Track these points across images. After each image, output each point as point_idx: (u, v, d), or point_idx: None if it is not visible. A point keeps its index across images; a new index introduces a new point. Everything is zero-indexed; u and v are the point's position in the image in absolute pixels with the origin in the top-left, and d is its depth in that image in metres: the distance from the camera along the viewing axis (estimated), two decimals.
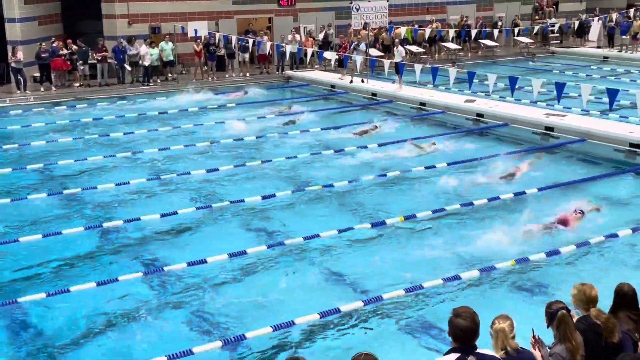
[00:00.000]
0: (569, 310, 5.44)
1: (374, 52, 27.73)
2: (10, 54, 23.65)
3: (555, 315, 5.35)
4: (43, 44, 24.00)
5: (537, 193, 12.64)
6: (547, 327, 5.42)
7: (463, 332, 4.64)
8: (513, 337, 5.19)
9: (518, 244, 10.27)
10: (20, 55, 23.31)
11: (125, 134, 18.31)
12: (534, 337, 5.38)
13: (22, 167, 15.09)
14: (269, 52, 26.99)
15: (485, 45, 32.65)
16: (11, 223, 11.69)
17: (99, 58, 24.84)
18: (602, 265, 9.66)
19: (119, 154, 16.19)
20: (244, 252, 10.08)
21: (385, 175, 14.05)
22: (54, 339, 8.03)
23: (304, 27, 29.65)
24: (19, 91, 23.57)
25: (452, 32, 30.74)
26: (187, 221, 11.65)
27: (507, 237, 10.44)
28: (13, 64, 23.48)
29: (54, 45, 24.26)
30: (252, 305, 8.72)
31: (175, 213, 11.81)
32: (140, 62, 25.21)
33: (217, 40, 26.41)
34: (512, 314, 5.39)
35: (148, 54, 25.04)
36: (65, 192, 13.28)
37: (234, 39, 26.32)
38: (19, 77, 23.57)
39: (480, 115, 19.66)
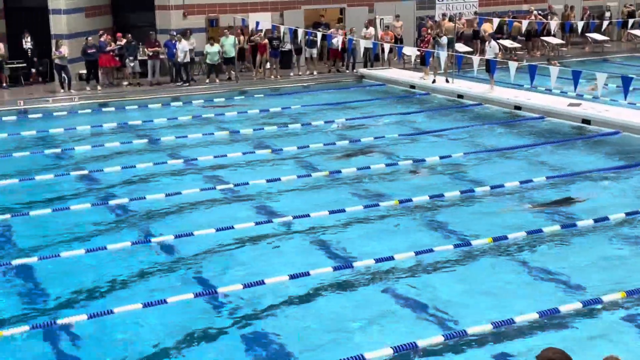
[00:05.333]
0: None
1: (460, 47, 27.51)
2: (53, 49, 24.26)
3: None
4: (90, 38, 24.70)
5: None
6: None
7: None
8: None
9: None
10: (64, 50, 23.83)
11: (177, 137, 18.69)
12: None
13: (65, 174, 15.57)
14: (341, 48, 27.13)
15: (594, 40, 31.93)
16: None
17: (151, 54, 25.49)
18: None
19: (171, 160, 16.53)
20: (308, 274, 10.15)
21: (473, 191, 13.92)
22: None
23: (381, 19, 29.69)
24: (62, 90, 24.27)
25: (554, 24, 30.11)
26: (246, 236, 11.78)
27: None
28: (57, 60, 24.00)
29: (101, 39, 24.93)
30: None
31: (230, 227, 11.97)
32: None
33: (281, 34, 26.70)
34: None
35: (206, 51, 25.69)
36: (110, 202, 13.61)
37: (300, 32, 26.46)
38: (62, 74, 24.16)
39: (586, 121, 19.23)
